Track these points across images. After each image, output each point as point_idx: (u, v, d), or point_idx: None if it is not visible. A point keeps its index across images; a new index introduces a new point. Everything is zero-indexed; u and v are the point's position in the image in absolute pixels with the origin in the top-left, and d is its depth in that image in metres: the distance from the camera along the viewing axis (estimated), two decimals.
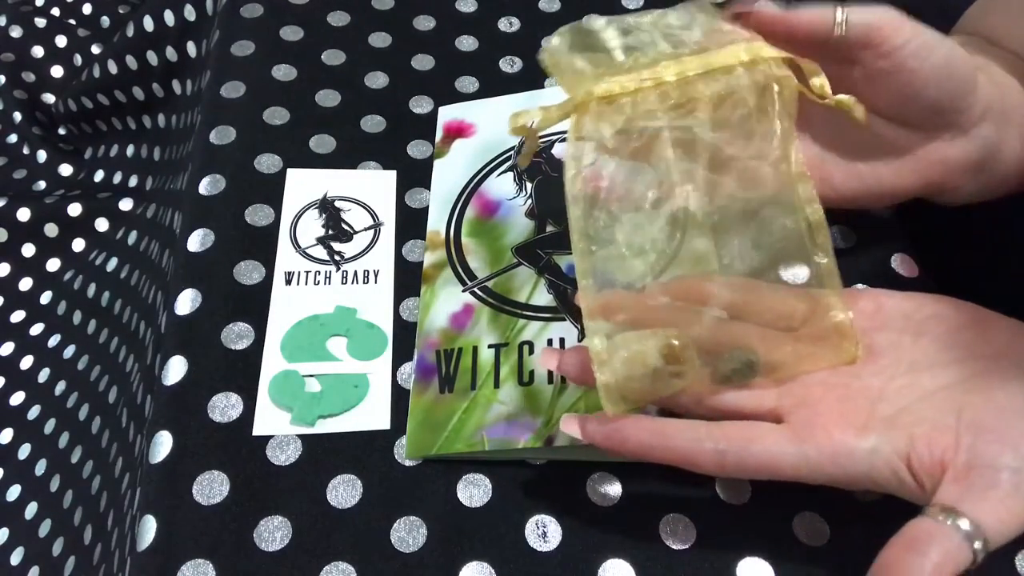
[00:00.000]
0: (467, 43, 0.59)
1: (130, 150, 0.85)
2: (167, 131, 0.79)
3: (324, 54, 0.57)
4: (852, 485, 0.32)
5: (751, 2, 0.36)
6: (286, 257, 0.47)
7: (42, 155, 0.87)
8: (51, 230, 0.81)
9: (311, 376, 0.43)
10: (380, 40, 0.59)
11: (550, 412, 0.40)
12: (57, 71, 0.92)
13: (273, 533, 0.38)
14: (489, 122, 0.53)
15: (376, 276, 0.47)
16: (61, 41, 0.92)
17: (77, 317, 0.76)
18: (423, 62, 0.58)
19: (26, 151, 0.87)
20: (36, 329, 0.78)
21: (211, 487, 0.39)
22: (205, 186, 0.49)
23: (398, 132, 0.54)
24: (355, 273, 0.47)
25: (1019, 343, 0.33)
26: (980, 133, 0.39)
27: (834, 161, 0.41)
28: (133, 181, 0.83)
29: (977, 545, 0.27)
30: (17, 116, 0.88)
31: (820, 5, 0.36)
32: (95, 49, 0.92)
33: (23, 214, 0.80)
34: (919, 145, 0.39)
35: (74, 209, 0.81)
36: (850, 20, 0.35)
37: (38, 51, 0.91)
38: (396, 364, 0.44)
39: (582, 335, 0.41)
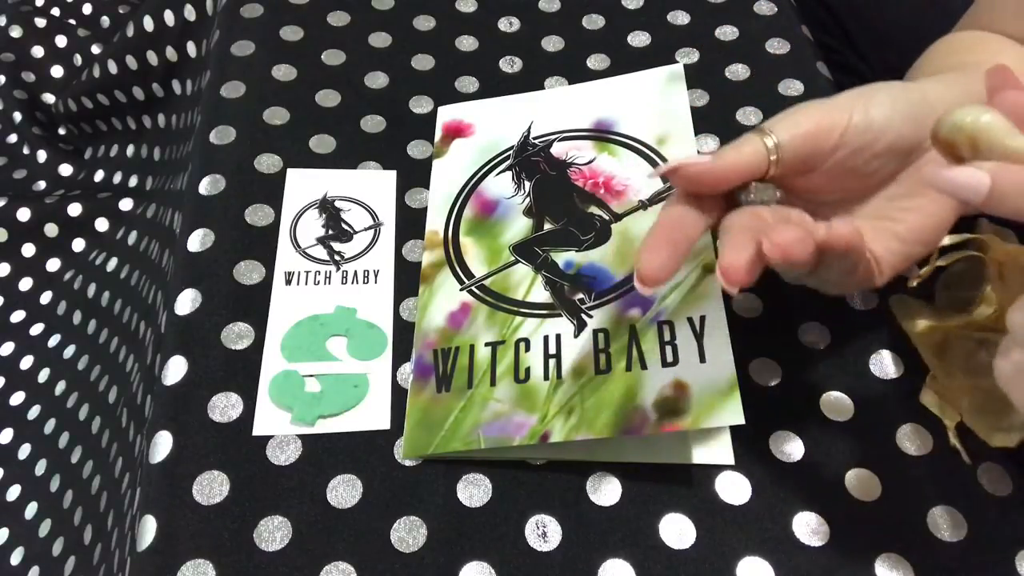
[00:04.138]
0: (467, 43, 0.59)
1: (130, 150, 0.85)
2: (167, 131, 0.79)
3: (324, 54, 0.57)
4: None
5: (674, 162, 0.32)
6: (286, 257, 0.47)
7: (42, 155, 0.87)
8: (51, 230, 0.81)
9: (311, 376, 0.43)
10: (380, 40, 0.59)
11: (545, 409, 0.40)
12: (57, 71, 0.92)
13: (273, 533, 0.38)
14: (488, 122, 0.53)
15: (376, 276, 0.47)
16: (61, 41, 0.93)
17: (77, 317, 0.76)
18: (423, 62, 0.58)
19: (26, 151, 0.87)
20: (36, 329, 0.78)
21: (211, 487, 0.39)
22: (205, 186, 0.49)
23: (398, 132, 0.54)
24: (355, 273, 0.47)
25: None
26: None
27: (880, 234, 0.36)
28: (133, 181, 0.83)
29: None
30: (17, 116, 0.88)
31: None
32: (95, 49, 0.92)
33: (23, 214, 0.81)
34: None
35: (74, 209, 0.81)
36: (781, 145, 0.33)
37: (38, 51, 0.92)
38: (396, 364, 0.44)
39: (578, 331, 0.42)
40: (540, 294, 0.44)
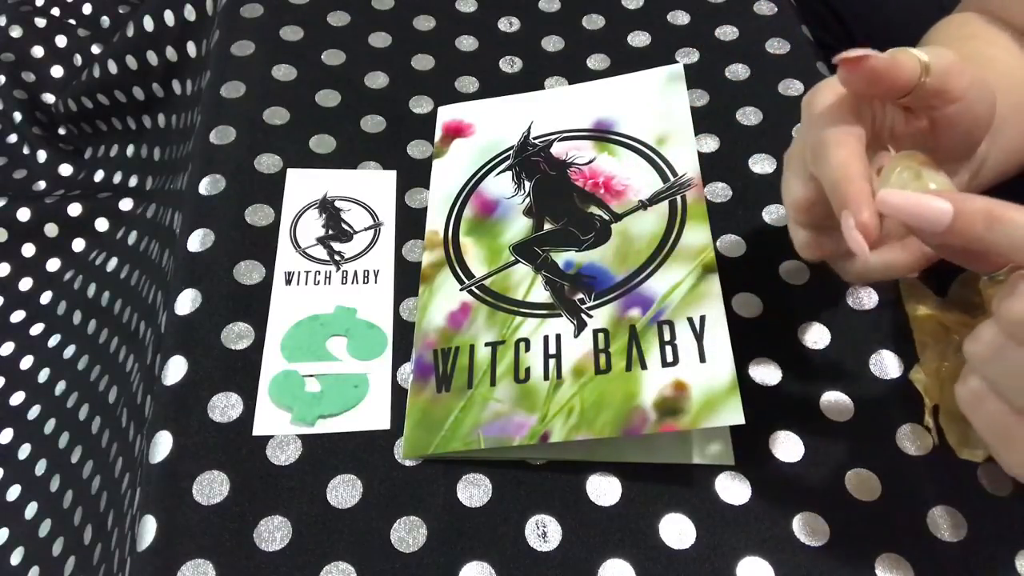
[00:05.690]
0: (467, 43, 0.59)
1: (130, 150, 0.85)
2: (167, 131, 0.79)
3: (324, 54, 0.57)
4: None
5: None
6: (286, 257, 0.47)
7: (42, 155, 0.87)
8: (51, 230, 0.81)
9: (311, 376, 0.43)
10: (380, 40, 0.59)
11: (545, 409, 0.40)
12: (57, 71, 0.92)
13: (273, 533, 0.38)
14: (488, 122, 0.53)
15: (376, 276, 0.47)
16: (61, 41, 0.93)
17: (77, 317, 0.76)
18: (423, 62, 0.58)
19: (26, 151, 0.87)
20: (36, 329, 0.78)
21: (211, 487, 0.39)
22: (205, 186, 0.49)
23: (398, 132, 0.54)
24: (355, 273, 0.47)
25: None
26: (979, 153, 0.37)
27: None
28: (133, 181, 0.83)
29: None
30: (17, 116, 0.88)
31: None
32: (95, 49, 0.92)
33: (23, 214, 0.81)
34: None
35: (74, 209, 0.81)
36: (932, 66, 0.33)
37: (38, 51, 0.92)
38: (396, 364, 0.44)
39: (578, 331, 0.42)
40: (540, 294, 0.44)
